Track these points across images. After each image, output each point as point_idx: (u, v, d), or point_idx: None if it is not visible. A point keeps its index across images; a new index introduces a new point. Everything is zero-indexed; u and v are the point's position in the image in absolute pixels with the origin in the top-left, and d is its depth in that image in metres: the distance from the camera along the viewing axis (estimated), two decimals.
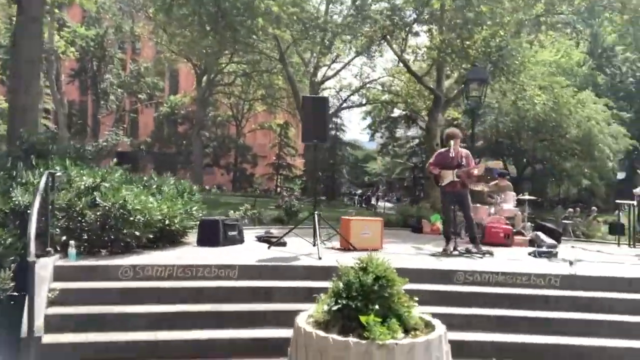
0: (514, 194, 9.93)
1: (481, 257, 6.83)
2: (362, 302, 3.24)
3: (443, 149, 7.56)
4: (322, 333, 3.14)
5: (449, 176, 7.30)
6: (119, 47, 42.89)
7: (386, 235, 10.17)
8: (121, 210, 5.70)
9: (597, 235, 12.26)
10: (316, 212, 6.73)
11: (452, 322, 3.98)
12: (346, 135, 41.20)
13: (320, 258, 5.98)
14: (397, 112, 34.51)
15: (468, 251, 7.08)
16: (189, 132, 42.55)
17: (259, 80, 34.81)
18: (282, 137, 44.64)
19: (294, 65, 28.27)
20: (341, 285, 3.42)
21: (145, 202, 6.03)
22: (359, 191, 39.42)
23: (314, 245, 6.57)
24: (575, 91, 19.91)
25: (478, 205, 10.02)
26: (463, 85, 12.83)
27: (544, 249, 7.24)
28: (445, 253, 7.10)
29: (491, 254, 7.03)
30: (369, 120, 37.95)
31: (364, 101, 32.67)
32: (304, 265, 5.76)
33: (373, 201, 32.21)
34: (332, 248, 7.12)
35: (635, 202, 9.75)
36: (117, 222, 5.71)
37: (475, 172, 7.44)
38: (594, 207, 16.49)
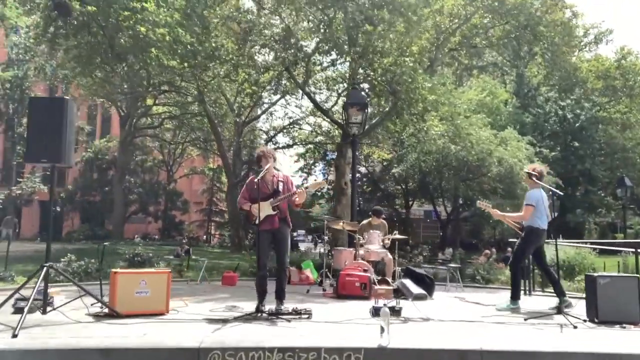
0: (379, 232, 8.22)
1: (289, 321, 4.97)
2: None
3: (254, 176, 5.75)
4: None
5: (263, 209, 5.52)
6: (50, 91, 40.11)
7: (237, 288, 8.34)
8: None
9: (501, 280, 10.68)
10: (46, 265, 4.74)
11: None
12: None
13: (15, 335, 3.94)
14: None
15: (277, 312, 5.20)
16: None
17: (189, 123, 33.19)
18: (215, 181, 42.54)
19: (220, 106, 26.81)
20: None
21: None
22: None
23: (43, 312, 4.59)
24: (491, 127, 19.01)
25: (340, 248, 8.31)
26: (342, 111, 11.38)
27: (382, 305, 5.47)
28: (253, 314, 5.18)
29: (308, 314, 5.18)
30: (301, 163, 36.38)
31: (291, 142, 31.19)
32: None
33: (301, 246, 30.21)
34: (95, 315, 5.07)
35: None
36: None
37: (297, 198, 5.64)
38: (509, 249, 15.14)
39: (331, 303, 6.67)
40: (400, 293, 7.33)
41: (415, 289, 7.27)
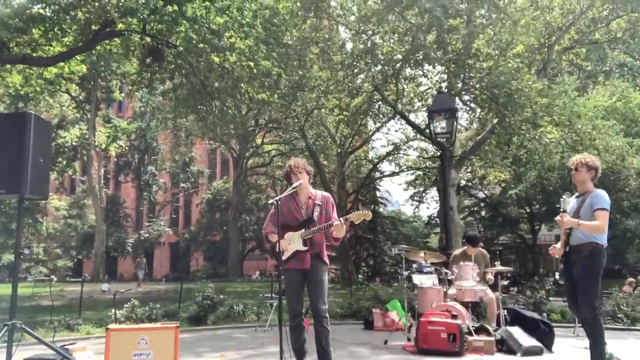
0: (473, 265, 6.42)
1: None
2: None
3: (285, 195, 4.39)
4: None
5: (292, 243, 4.24)
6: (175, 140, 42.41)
7: None
8: None
9: None
10: (8, 323, 3.76)
11: None
12: (388, 208, 37.77)
13: None
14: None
15: None
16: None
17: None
18: None
19: (325, 139, 26.43)
20: None
21: None
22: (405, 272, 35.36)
23: None
24: (624, 135, 16.13)
25: (425, 286, 6.66)
26: (428, 122, 9.75)
27: None
28: None
29: None
30: (412, 191, 34.53)
31: (397, 170, 29.71)
32: None
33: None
34: None
35: None
36: None
37: (335, 232, 4.20)
38: None
39: None
40: (505, 346, 5.58)
41: (526, 341, 5.48)
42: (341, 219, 4.15)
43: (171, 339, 4.18)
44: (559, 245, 4.65)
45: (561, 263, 4.62)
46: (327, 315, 4.17)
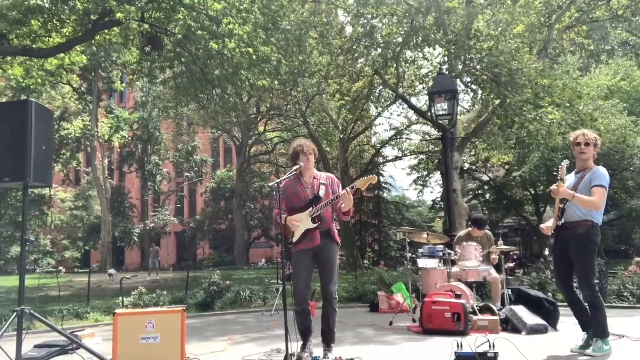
0: (476, 245, 6.42)
1: None
2: None
3: (288, 177, 4.36)
4: None
5: (301, 223, 4.26)
6: (178, 129, 41.90)
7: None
8: None
9: None
10: (20, 308, 3.81)
11: None
12: (392, 193, 37.76)
13: None
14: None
15: None
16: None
17: None
18: None
19: (327, 125, 26.41)
20: None
21: None
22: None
23: None
24: (628, 114, 16.01)
25: (429, 267, 6.69)
26: (429, 104, 9.71)
27: (468, 350, 3.86)
28: None
29: None
30: (415, 176, 34.49)
31: (400, 155, 29.64)
32: None
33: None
34: None
35: None
36: None
37: (344, 204, 4.17)
38: None
39: (408, 343, 5.13)
40: (510, 325, 5.61)
41: (531, 319, 5.51)
42: (347, 188, 4.14)
43: (178, 322, 4.22)
44: (549, 223, 4.53)
45: (552, 238, 4.46)
46: (337, 296, 4.20)
